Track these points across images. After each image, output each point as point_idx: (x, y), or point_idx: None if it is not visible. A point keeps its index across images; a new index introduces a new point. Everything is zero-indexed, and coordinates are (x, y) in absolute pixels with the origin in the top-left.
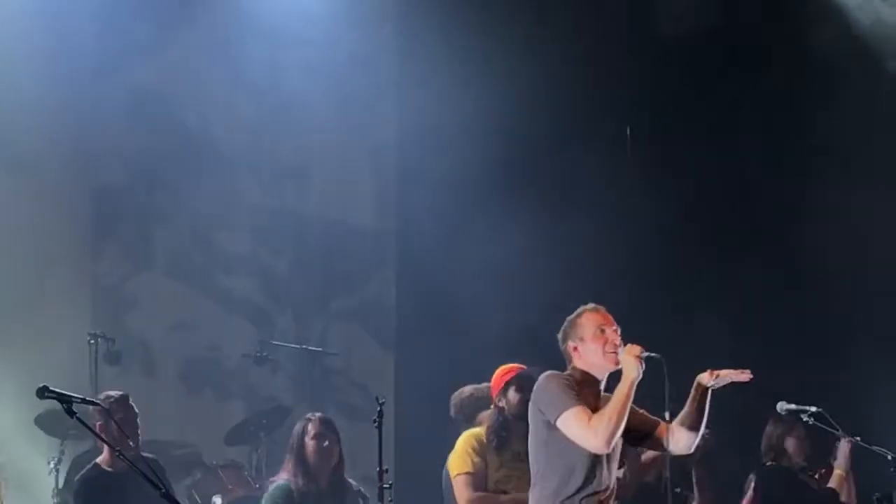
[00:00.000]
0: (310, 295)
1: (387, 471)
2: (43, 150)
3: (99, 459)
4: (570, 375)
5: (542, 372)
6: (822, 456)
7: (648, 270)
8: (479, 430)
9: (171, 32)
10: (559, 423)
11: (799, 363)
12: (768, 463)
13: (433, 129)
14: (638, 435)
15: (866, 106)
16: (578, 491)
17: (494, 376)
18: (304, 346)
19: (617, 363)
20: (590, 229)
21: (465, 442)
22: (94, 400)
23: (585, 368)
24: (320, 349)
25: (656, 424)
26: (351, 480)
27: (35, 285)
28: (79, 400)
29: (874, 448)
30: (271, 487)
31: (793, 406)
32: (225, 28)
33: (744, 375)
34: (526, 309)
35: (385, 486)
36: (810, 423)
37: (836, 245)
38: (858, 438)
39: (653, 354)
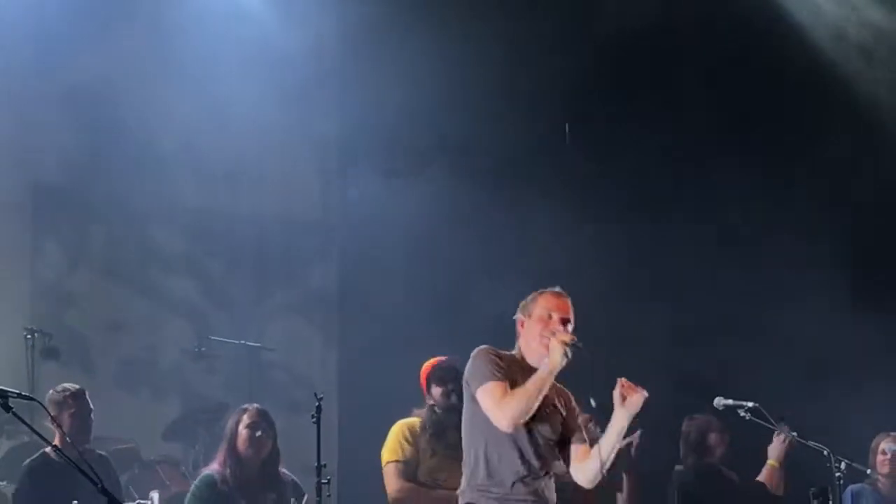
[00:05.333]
0: (251, 290)
1: (325, 466)
2: None
3: (47, 449)
4: (503, 352)
5: (460, 361)
6: (754, 452)
7: (590, 265)
8: (411, 419)
9: (109, 29)
10: (478, 396)
11: (732, 358)
12: (689, 462)
13: (376, 122)
14: (563, 440)
15: (809, 91)
16: (506, 467)
17: (421, 375)
18: (243, 342)
19: (547, 350)
20: (536, 221)
21: (398, 430)
22: (30, 395)
23: (523, 348)
24: (259, 345)
25: (581, 442)
26: (286, 472)
27: None
28: (15, 395)
29: (810, 443)
30: (197, 479)
31: (730, 401)
32: (163, 23)
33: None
34: (471, 302)
35: (323, 481)
36: (747, 418)
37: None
38: (795, 434)
39: (579, 345)
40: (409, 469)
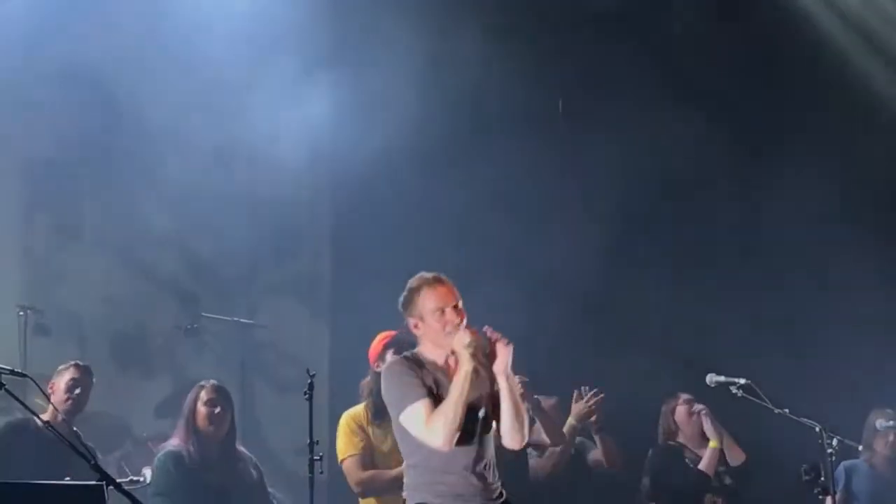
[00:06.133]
0: (242, 269)
1: (317, 442)
2: None
3: (44, 415)
4: (412, 359)
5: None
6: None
7: (585, 249)
8: (355, 410)
9: (102, 6)
10: (402, 422)
11: (730, 336)
12: (659, 440)
13: (368, 100)
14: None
15: (807, 79)
16: (451, 465)
17: (372, 345)
18: (235, 319)
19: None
20: (525, 202)
21: (345, 424)
22: (23, 372)
23: (429, 346)
24: (252, 321)
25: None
26: (243, 449)
27: None
28: (7, 371)
29: (802, 420)
30: (160, 454)
31: (722, 378)
32: (155, 0)
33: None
34: (463, 283)
35: (315, 457)
36: (739, 395)
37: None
38: (787, 410)
39: (480, 341)
40: (366, 459)
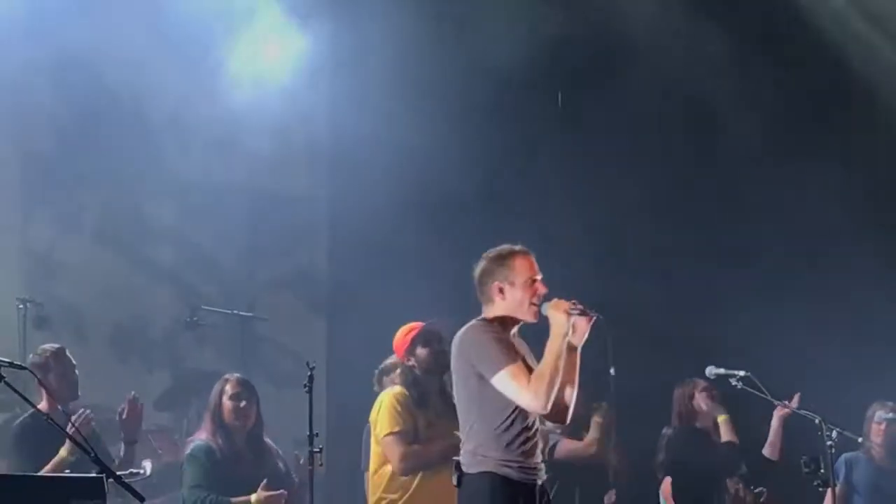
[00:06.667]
0: (240, 263)
1: (317, 435)
2: None
3: (40, 406)
4: (495, 325)
5: (443, 325)
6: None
7: (589, 247)
8: (399, 389)
9: None
10: (495, 381)
11: (729, 325)
12: (676, 425)
13: (367, 95)
14: None
15: (812, 73)
16: (516, 438)
17: (397, 337)
18: (235, 312)
19: (536, 316)
20: (526, 194)
21: (392, 400)
22: (22, 364)
23: (503, 313)
24: (251, 314)
25: None
26: (270, 441)
27: None
28: (6, 364)
29: (802, 412)
30: (191, 447)
31: (721, 370)
32: None
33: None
34: (459, 272)
35: (315, 450)
36: (739, 387)
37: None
38: (787, 402)
39: (582, 314)
40: (410, 437)
